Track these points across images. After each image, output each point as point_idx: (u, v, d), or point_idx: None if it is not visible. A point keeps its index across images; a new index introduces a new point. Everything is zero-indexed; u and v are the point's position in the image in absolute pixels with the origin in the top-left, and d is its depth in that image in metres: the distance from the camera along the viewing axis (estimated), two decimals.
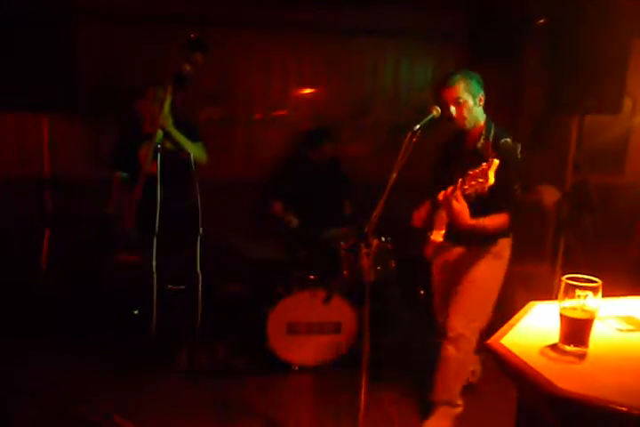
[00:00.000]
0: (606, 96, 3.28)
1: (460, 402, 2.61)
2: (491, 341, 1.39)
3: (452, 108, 2.36)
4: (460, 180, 2.12)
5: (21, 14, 2.85)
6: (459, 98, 2.34)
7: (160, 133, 2.76)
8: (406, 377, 2.99)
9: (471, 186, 2.06)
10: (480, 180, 2.00)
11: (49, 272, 3.34)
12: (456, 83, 2.34)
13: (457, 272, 2.54)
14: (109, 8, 3.47)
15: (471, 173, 2.06)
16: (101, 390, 2.81)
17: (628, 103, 3.58)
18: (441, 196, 2.27)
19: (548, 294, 3.45)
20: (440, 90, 2.38)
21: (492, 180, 1.96)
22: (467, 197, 2.12)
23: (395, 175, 2.08)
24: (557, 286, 3.62)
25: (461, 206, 2.14)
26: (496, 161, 1.96)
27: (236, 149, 3.97)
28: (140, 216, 2.87)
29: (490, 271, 2.50)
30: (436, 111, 2.26)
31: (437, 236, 2.40)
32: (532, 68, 3.86)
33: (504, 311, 2.73)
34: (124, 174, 3.12)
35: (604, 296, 1.37)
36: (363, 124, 4.07)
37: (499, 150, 2.30)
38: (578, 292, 1.36)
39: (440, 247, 2.52)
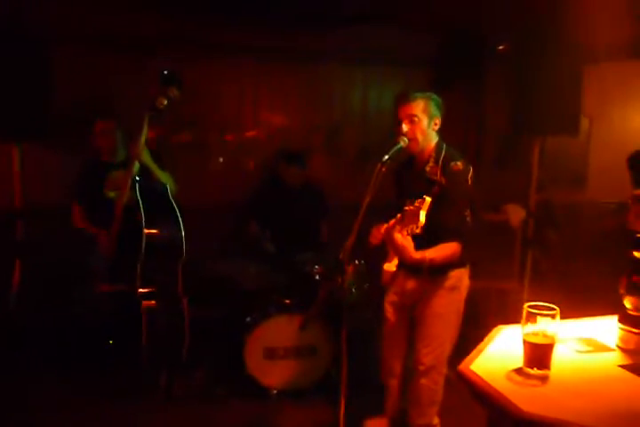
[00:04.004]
0: (564, 118, 3.46)
1: (436, 421, 2.64)
2: (461, 367, 1.46)
3: (404, 126, 2.31)
4: (399, 215, 2.07)
5: None
6: (413, 116, 2.31)
7: (137, 165, 2.79)
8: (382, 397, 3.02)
9: (404, 225, 2.00)
10: (413, 219, 1.93)
11: (20, 303, 3.29)
12: (414, 100, 2.32)
13: (417, 306, 2.51)
14: (81, 36, 3.49)
15: (407, 209, 2.00)
16: (79, 419, 2.77)
17: (585, 123, 3.76)
18: (382, 229, 2.23)
19: (519, 309, 3.58)
20: (398, 106, 2.36)
21: (422, 220, 1.90)
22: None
23: (366, 202, 2.07)
24: (527, 302, 3.71)
25: (404, 241, 2.06)
26: (428, 199, 1.92)
27: (209, 173, 4.01)
28: (122, 246, 2.89)
29: (449, 305, 2.45)
30: (404, 142, 2.28)
31: (390, 266, 2.38)
32: (495, 92, 4.01)
33: (477, 327, 2.81)
34: None
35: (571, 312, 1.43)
36: (333, 147, 4.15)
37: (447, 175, 2.29)
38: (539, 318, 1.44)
39: (395, 276, 2.48)
